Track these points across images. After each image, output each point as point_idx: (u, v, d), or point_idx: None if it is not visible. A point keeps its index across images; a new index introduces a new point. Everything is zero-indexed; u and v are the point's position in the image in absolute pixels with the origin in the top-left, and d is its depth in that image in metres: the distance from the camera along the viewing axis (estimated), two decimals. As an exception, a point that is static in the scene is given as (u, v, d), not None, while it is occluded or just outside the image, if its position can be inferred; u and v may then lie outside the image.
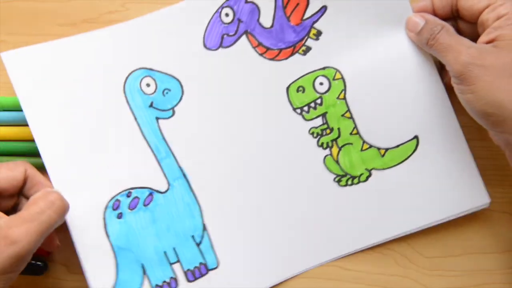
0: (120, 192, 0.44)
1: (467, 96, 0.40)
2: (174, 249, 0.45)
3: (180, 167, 0.45)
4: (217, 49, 0.46)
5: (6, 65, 0.44)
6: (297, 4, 0.45)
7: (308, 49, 0.46)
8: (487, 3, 0.41)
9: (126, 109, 0.45)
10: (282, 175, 0.46)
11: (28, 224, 0.38)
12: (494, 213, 0.47)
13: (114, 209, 0.44)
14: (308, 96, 0.46)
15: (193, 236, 0.45)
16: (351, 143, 0.46)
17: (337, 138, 0.46)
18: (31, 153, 0.45)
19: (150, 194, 0.45)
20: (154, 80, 0.45)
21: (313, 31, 0.46)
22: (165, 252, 0.45)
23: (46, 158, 0.44)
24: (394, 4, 0.44)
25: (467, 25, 0.44)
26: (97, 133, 0.45)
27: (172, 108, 0.46)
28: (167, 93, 0.45)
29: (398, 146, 0.46)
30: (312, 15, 0.45)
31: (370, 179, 0.46)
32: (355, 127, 0.46)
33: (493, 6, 0.41)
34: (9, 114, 0.46)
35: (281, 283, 0.46)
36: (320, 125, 0.46)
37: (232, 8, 0.45)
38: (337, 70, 0.46)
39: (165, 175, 0.45)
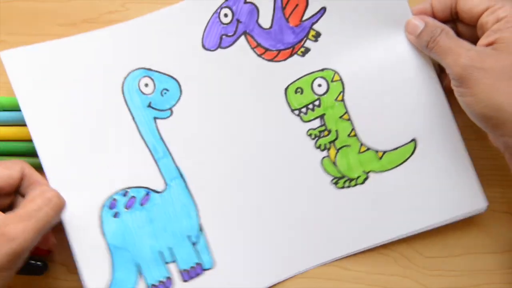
0: (116, 191, 0.45)
1: (467, 99, 0.40)
2: (170, 249, 0.45)
3: (177, 167, 0.45)
4: (215, 49, 0.46)
5: (5, 64, 0.44)
6: (296, 5, 0.45)
7: (307, 50, 0.46)
8: (487, 5, 0.41)
9: (124, 108, 0.45)
10: (279, 176, 0.46)
11: (25, 221, 0.38)
12: (494, 213, 0.47)
13: (110, 208, 0.44)
14: (307, 97, 0.46)
15: (189, 236, 0.45)
16: (349, 145, 0.46)
17: (335, 140, 0.46)
18: (30, 153, 0.46)
19: (147, 193, 0.45)
20: (153, 80, 0.46)
21: (312, 33, 0.46)
22: (161, 252, 0.45)
23: (43, 155, 0.44)
24: (393, 7, 0.44)
25: (466, 28, 0.43)
26: (95, 132, 0.45)
27: (170, 108, 0.46)
28: (165, 93, 0.46)
29: (395, 149, 0.45)
30: (311, 16, 0.45)
31: (367, 181, 0.46)
32: (353, 129, 0.46)
33: (493, 8, 0.40)
34: (8, 114, 0.46)
35: (281, 283, 0.46)
36: (318, 127, 0.46)
37: (231, 9, 0.45)
38: (335, 72, 0.46)
39: (162, 175, 0.45)
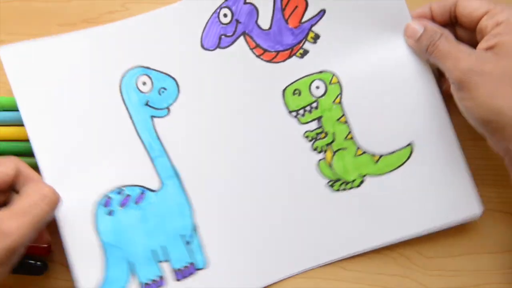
0: (111, 190, 0.44)
1: (467, 103, 0.40)
2: (163, 248, 0.45)
3: (173, 166, 0.45)
4: (214, 49, 0.46)
5: (3, 60, 0.44)
6: (296, 7, 0.45)
7: (306, 52, 0.46)
8: (486, 10, 0.41)
9: (121, 106, 0.45)
10: (275, 177, 0.46)
11: (20, 217, 0.38)
12: (494, 213, 0.47)
13: (105, 206, 0.44)
14: (304, 99, 0.46)
15: (183, 236, 0.45)
16: (346, 148, 0.45)
17: (331, 142, 0.46)
18: (27, 153, 0.45)
19: (142, 192, 0.45)
20: (151, 78, 0.46)
21: (311, 34, 0.45)
22: (154, 251, 0.45)
23: (38, 151, 0.44)
24: (392, 11, 0.44)
25: (465, 32, 0.43)
26: (92, 129, 0.45)
27: (168, 107, 0.46)
28: (163, 92, 0.46)
29: (392, 153, 0.45)
30: (311, 18, 0.45)
31: (363, 185, 0.45)
32: (350, 132, 0.45)
33: (492, 13, 0.40)
34: (7, 114, 0.46)
35: (280, 283, 0.46)
36: (315, 129, 0.46)
37: (230, 9, 0.45)
38: (334, 74, 0.46)
39: (158, 173, 0.45)
